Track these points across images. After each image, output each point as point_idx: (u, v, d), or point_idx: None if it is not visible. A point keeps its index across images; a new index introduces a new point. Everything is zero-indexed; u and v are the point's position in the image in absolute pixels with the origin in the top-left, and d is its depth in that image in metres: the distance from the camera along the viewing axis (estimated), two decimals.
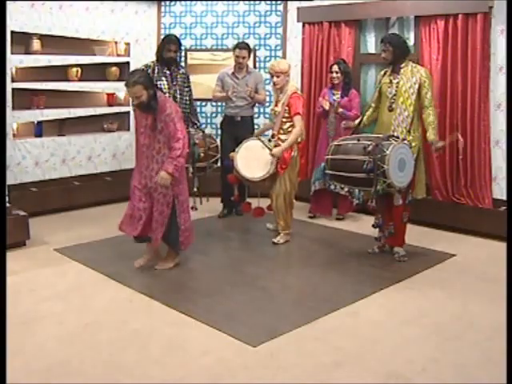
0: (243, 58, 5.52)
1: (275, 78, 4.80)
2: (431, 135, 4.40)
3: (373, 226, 4.69)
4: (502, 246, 4.73)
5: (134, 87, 3.89)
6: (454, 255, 4.70)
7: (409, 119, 4.42)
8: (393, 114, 4.45)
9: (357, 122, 4.78)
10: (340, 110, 5.46)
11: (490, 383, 2.80)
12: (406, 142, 4.30)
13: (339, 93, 5.54)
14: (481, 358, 3.02)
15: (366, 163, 4.10)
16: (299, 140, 4.87)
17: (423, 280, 4.18)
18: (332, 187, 5.44)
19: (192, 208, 4.82)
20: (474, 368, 2.93)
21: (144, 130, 4.09)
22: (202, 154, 4.78)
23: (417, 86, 4.41)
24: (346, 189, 5.23)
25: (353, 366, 2.94)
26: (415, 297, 3.86)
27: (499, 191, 5.27)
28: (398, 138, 4.28)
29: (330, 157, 4.41)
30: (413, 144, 4.38)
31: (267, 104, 6.02)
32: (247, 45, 5.60)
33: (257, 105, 5.86)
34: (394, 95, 4.45)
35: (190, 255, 4.66)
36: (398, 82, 4.45)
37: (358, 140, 4.29)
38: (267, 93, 5.90)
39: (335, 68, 5.50)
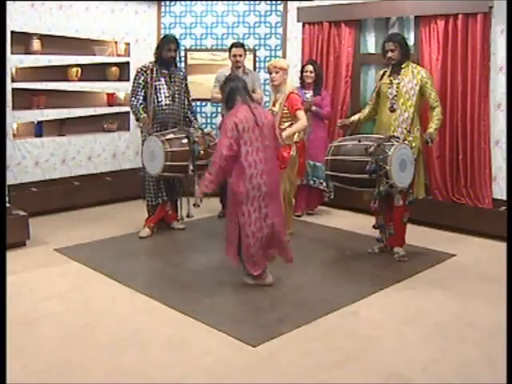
0: (240, 55, 5.55)
1: (273, 74, 4.79)
2: (432, 128, 4.39)
3: (373, 227, 4.68)
4: (502, 246, 4.73)
5: None
6: (454, 255, 4.70)
7: (409, 120, 4.41)
8: (393, 114, 4.45)
9: (354, 118, 4.76)
10: (314, 107, 5.66)
11: (489, 383, 2.80)
12: (406, 142, 4.31)
13: (311, 92, 5.74)
14: (481, 358, 3.02)
15: (368, 164, 4.10)
16: (298, 139, 4.88)
17: (423, 280, 4.18)
18: (311, 182, 5.81)
19: (194, 205, 4.82)
20: (474, 368, 2.93)
21: None
22: (202, 152, 4.79)
23: (418, 87, 4.40)
24: (324, 184, 5.65)
25: (353, 366, 2.94)
26: (415, 297, 3.86)
27: (499, 191, 5.27)
28: (398, 138, 4.28)
29: (330, 158, 4.40)
30: (413, 144, 4.38)
31: (266, 104, 6.02)
32: (242, 44, 5.69)
33: None
34: (395, 96, 4.45)
35: (190, 255, 4.66)
36: (398, 83, 4.44)
37: (359, 141, 4.28)
38: (266, 93, 5.91)
39: (310, 68, 5.72)
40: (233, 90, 3.87)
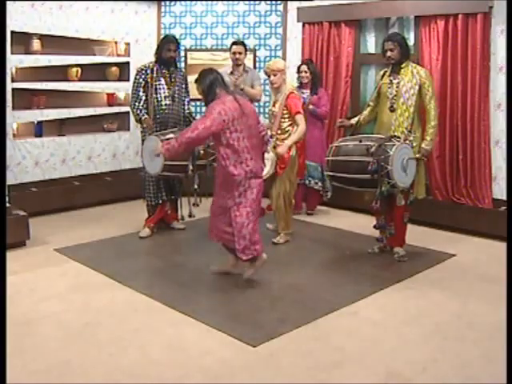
0: (240, 53, 5.56)
1: (272, 77, 4.80)
2: (427, 144, 4.39)
3: (374, 227, 4.68)
4: (501, 246, 4.73)
5: None
6: (454, 255, 4.70)
7: (409, 120, 4.41)
8: (393, 114, 4.45)
9: (354, 120, 4.76)
10: (310, 106, 5.67)
11: (489, 383, 2.80)
12: (407, 142, 4.30)
13: (308, 91, 5.75)
14: (481, 358, 3.03)
15: (370, 164, 4.10)
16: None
17: (423, 280, 4.18)
18: (307, 182, 5.80)
19: (194, 205, 4.84)
20: (474, 368, 2.93)
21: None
22: (201, 152, 4.79)
23: (417, 86, 4.40)
24: (320, 183, 5.75)
25: (353, 366, 2.94)
26: (415, 297, 3.86)
27: (499, 191, 5.27)
28: (399, 138, 4.28)
29: (330, 158, 4.40)
30: (413, 144, 4.38)
31: (266, 104, 6.03)
32: (243, 42, 5.71)
33: (255, 104, 5.85)
34: (395, 95, 4.44)
35: (190, 255, 4.66)
36: (398, 83, 4.43)
37: (360, 141, 4.28)
38: (266, 93, 5.90)
39: (304, 68, 5.75)
40: (213, 83, 3.91)
